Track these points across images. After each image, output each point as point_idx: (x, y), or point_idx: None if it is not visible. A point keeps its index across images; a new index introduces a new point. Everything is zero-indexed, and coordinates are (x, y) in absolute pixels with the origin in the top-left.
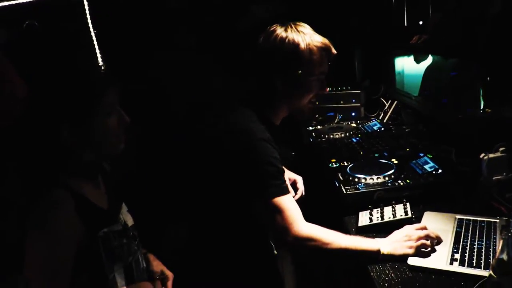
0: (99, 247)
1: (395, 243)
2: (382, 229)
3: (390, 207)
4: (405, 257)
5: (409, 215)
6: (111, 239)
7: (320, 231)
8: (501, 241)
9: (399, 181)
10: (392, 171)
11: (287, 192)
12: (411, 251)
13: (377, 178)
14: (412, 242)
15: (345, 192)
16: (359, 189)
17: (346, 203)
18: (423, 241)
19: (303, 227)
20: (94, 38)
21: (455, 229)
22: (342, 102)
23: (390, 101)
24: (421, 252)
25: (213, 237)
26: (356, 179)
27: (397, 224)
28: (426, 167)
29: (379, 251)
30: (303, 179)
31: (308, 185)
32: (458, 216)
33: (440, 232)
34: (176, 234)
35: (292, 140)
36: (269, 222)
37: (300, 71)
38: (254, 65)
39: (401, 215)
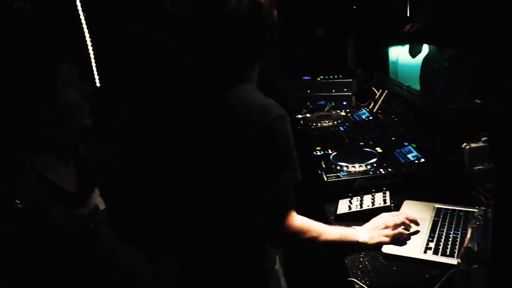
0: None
1: (372, 232)
2: (361, 217)
3: (370, 195)
4: (380, 245)
5: (388, 203)
6: (75, 223)
7: (310, 224)
8: (470, 230)
9: (381, 170)
10: (375, 159)
11: (299, 178)
12: (387, 239)
13: (359, 166)
14: (388, 230)
15: (326, 179)
16: (340, 177)
17: (327, 190)
18: (400, 229)
19: (297, 219)
20: (83, 21)
21: (432, 218)
22: (333, 90)
23: (381, 90)
24: (397, 240)
25: (210, 234)
26: (338, 167)
27: (375, 213)
28: (409, 156)
29: (358, 241)
30: None
31: None
32: (437, 205)
33: (417, 220)
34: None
35: None
36: (265, 209)
37: (273, 26)
38: (223, 37)
39: (380, 204)
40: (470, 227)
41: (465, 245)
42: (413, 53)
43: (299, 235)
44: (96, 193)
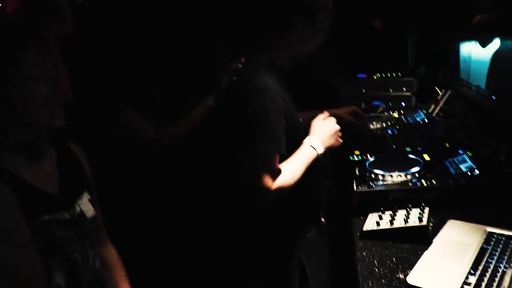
0: (36, 235)
1: (326, 142)
2: (389, 236)
3: (405, 210)
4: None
5: (424, 222)
6: (52, 228)
7: (281, 179)
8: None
9: (423, 181)
10: (418, 168)
11: (278, 150)
12: (338, 143)
13: (397, 176)
14: (336, 134)
15: (355, 189)
16: (373, 187)
17: (356, 202)
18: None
19: (271, 184)
20: None
21: (481, 245)
22: (391, 90)
23: (443, 90)
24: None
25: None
26: (373, 175)
27: (408, 233)
28: (462, 166)
29: (318, 156)
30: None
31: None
32: (488, 229)
33: (461, 246)
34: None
35: None
36: (243, 177)
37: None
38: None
39: (414, 222)
40: None
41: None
42: (484, 42)
43: (275, 194)
44: (85, 197)
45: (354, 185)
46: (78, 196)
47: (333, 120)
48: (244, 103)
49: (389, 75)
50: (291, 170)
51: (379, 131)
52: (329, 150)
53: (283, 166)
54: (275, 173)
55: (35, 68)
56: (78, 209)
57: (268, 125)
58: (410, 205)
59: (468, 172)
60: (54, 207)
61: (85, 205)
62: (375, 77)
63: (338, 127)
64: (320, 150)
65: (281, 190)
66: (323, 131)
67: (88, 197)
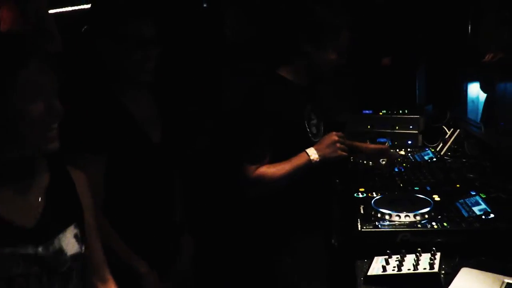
0: None
1: (322, 150)
2: (397, 283)
3: (414, 255)
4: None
5: (436, 269)
6: (11, 264)
7: (264, 170)
8: None
9: (434, 223)
10: (428, 209)
11: (262, 148)
12: (336, 154)
13: (406, 216)
14: (335, 146)
15: (360, 229)
16: (379, 228)
17: (360, 243)
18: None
19: (252, 173)
20: None
21: None
22: (397, 127)
23: (452, 129)
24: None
25: None
26: (379, 215)
27: (417, 280)
28: (475, 209)
29: (310, 161)
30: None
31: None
32: (507, 280)
33: None
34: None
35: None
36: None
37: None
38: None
39: (424, 268)
40: None
41: None
42: (487, 88)
43: (257, 185)
44: (70, 232)
45: (358, 224)
46: (61, 230)
47: (333, 133)
48: (238, 110)
49: (395, 112)
50: (277, 166)
51: (385, 168)
52: (326, 159)
53: (274, 164)
54: (258, 165)
55: (33, 84)
56: (56, 245)
57: (254, 128)
58: (419, 249)
59: (483, 216)
60: (19, 241)
61: (67, 241)
62: (381, 113)
63: (336, 138)
64: (313, 156)
65: (262, 179)
66: (321, 141)
67: (75, 231)
